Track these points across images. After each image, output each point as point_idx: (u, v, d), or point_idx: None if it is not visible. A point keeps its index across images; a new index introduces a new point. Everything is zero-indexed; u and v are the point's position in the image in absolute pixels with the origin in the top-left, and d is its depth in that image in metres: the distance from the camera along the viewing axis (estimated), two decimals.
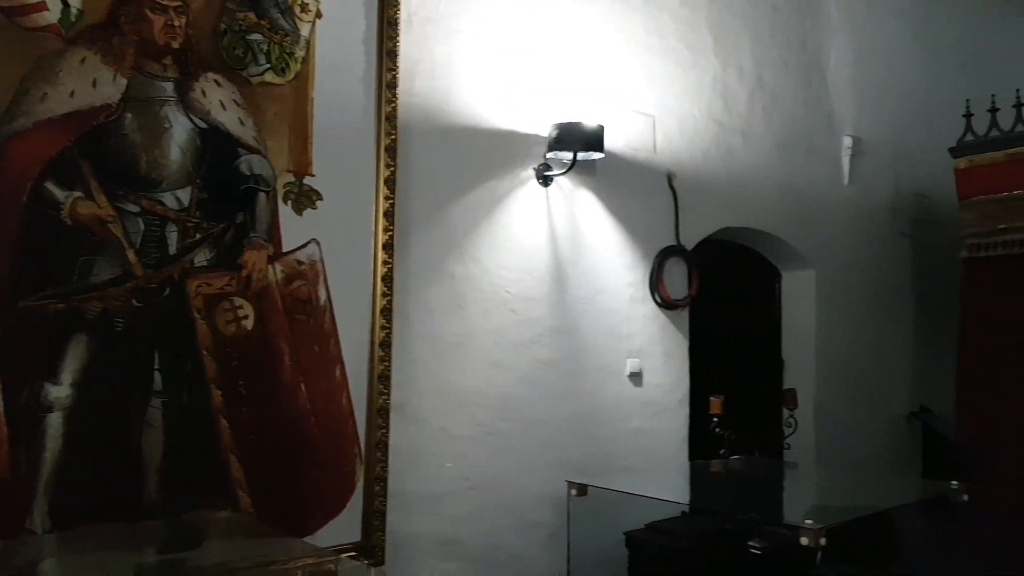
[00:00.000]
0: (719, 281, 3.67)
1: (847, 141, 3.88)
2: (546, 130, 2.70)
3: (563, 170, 2.73)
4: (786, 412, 3.32)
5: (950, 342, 3.53)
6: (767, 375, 3.71)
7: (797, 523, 1.58)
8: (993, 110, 3.24)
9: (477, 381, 2.53)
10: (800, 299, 3.73)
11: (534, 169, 2.76)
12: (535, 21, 2.74)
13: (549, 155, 2.73)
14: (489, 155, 2.60)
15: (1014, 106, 3.17)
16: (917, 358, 4.04)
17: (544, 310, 2.78)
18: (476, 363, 2.53)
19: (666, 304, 3.05)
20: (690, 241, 3.17)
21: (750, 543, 2.00)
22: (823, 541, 1.53)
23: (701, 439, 3.11)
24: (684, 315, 3.14)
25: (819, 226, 3.72)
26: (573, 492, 2.09)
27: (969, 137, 3.29)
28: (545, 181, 2.78)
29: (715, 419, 3.04)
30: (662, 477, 2.77)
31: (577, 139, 2.65)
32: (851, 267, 3.85)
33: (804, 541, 1.53)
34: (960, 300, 3.31)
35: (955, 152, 3.32)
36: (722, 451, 3.03)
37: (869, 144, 3.96)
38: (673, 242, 3.10)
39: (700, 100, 3.26)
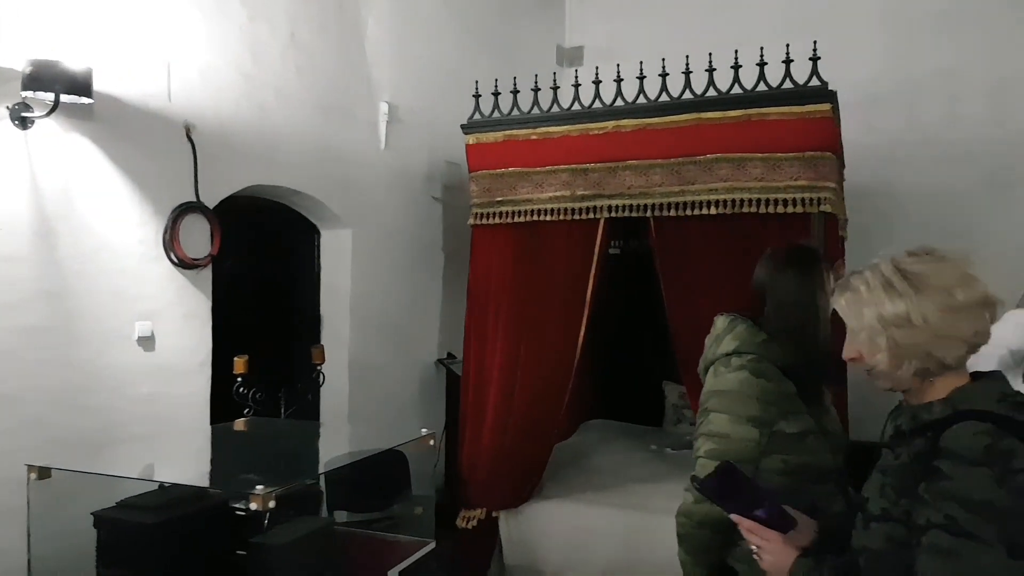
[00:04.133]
0: (260, 238, 3.63)
1: (384, 107, 4.11)
2: (21, 64, 2.34)
3: (44, 112, 2.39)
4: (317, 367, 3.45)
5: None
6: (307, 332, 3.81)
7: (247, 490, 1.63)
8: (495, 93, 3.72)
9: None
10: (338, 257, 3.88)
11: (8, 108, 2.38)
12: None
13: (26, 94, 2.37)
14: None
15: (512, 92, 3.68)
16: (445, 311, 4.53)
17: (27, 271, 2.45)
18: None
19: (183, 263, 2.91)
20: (214, 197, 3.06)
21: (235, 505, 2.04)
22: (272, 504, 1.60)
23: (229, 402, 3.07)
24: (206, 274, 3.03)
25: (357, 188, 3.90)
26: (33, 476, 1.88)
27: (477, 116, 3.73)
28: (23, 123, 2.41)
29: (240, 379, 3.03)
30: (171, 444, 2.67)
31: (57, 79, 2.34)
32: (387, 227, 4.13)
33: (253, 506, 1.59)
34: (469, 260, 3.78)
35: (466, 129, 3.74)
36: (247, 411, 3.04)
37: (405, 111, 4.25)
38: (192, 198, 2.95)
39: (225, 51, 3.13)
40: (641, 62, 3.40)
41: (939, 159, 4.86)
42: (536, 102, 3.64)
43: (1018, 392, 1.28)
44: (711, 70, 3.29)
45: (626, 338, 5.12)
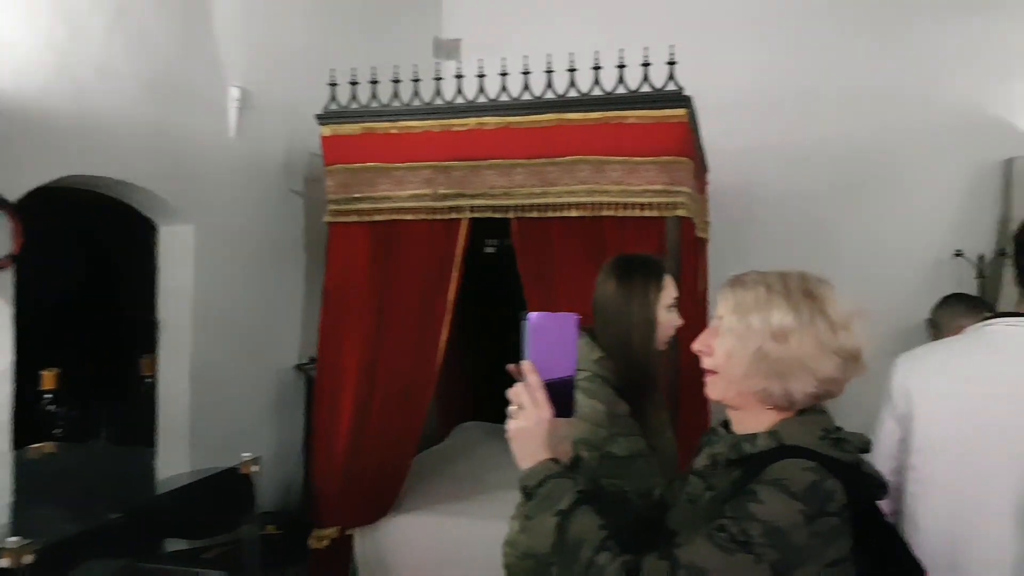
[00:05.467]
0: (83, 236, 3.27)
1: (235, 92, 3.80)
2: None
3: None
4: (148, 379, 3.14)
5: None
6: (141, 340, 3.46)
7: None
8: (353, 83, 3.50)
9: None
10: (179, 256, 3.55)
11: None
12: None
13: None
14: None
15: (371, 82, 3.47)
16: (306, 312, 4.27)
17: None
18: None
19: None
20: (17, 189, 2.69)
21: None
22: (30, 559, 1.35)
23: (38, 422, 2.72)
24: (5, 277, 2.67)
25: (200, 179, 3.58)
26: None
27: (333, 106, 3.50)
28: None
29: (48, 396, 2.69)
30: None
31: None
32: (238, 223, 3.82)
33: (5, 563, 1.34)
34: (326, 259, 3.55)
35: (321, 119, 3.51)
36: (57, 432, 2.70)
37: (261, 98, 3.95)
38: None
39: (34, 24, 2.76)
40: (504, 58, 3.28)
41: (796, 163, 5.06)
42: (397, 94, 3.45)
43: (838, 428, 1.23)
44: (572, 70, 3.21)
45: (504, 338, 5.01)
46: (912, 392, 1.65)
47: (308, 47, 4.26)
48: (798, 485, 1.10)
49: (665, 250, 3.05)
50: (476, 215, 3.30)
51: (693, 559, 1.08)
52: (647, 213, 3.07)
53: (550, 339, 1.25)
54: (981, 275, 4.67)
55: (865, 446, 1.23)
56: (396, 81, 3.46)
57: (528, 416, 1.24)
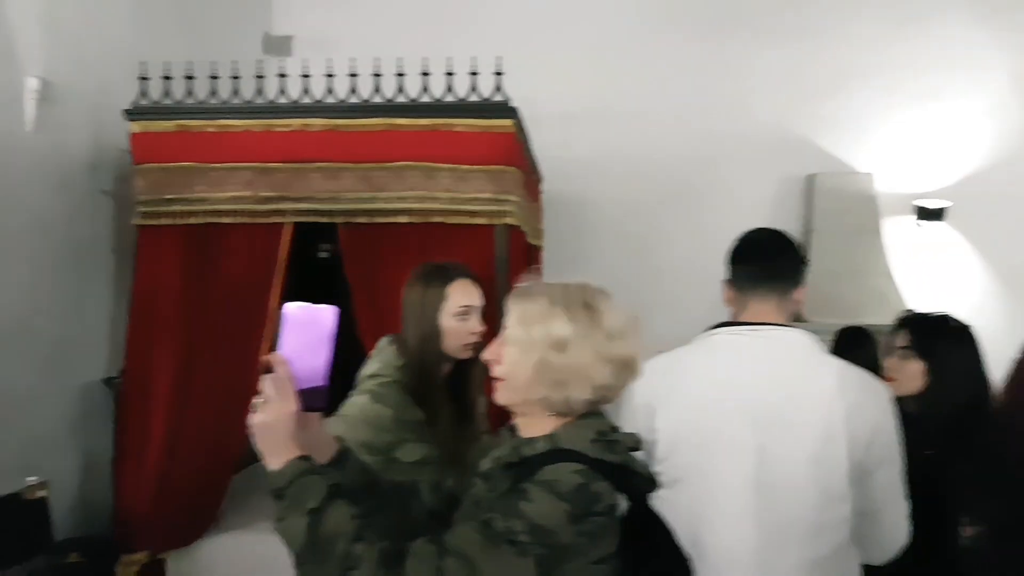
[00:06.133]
0: None
1: (33, 83, 3.45)
2: None
3: None
4: None
5: None
6: None
7: None
8: (167, 77, 3.28)
9: None
10: None
11: None
12: None
13: None
14: None
15: (187, 77, 3.27)
16: (115, 321, 3.94)
17: None
18: None
19: None
20: None
21: None
22: None
23: None
24: None
25: None
26: None
27: (144, 101, 3.27)
28: None
29: None
30: None
31: None
32: (33, 223, 3.46)
33: None
34: (135, 265, 3.30)
35: (130, 115, 3.26)
36: None
37: (64, 90, 3.61)
38: None
39: None
40: (330, 59, 3.19)
41: (629, 173, 5.33)
42: (215, 91, 3.27)
43: (613, 428, 1.29)
44: (400, 75, 3.18)
45: (340, 345, 4.88)
46: (650, 400, 1.71)
47: (118, 38, 3.95)
48: (566, 487, 1.15)
49: (493, 258, 3.08)
50: (300, 219, 3.19)
51: (460, 546, 1.11)
52: (476, 221, 3.09)
53: (307, 332, 1.21)
54: None
55: (636, 445, 1.32)
56: (214, 77, 3.28)
57: (271, 410, 1.19)
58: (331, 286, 4.35)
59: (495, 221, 3.10)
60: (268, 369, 1.21)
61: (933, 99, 5.35)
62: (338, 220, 3.17)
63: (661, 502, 1.69)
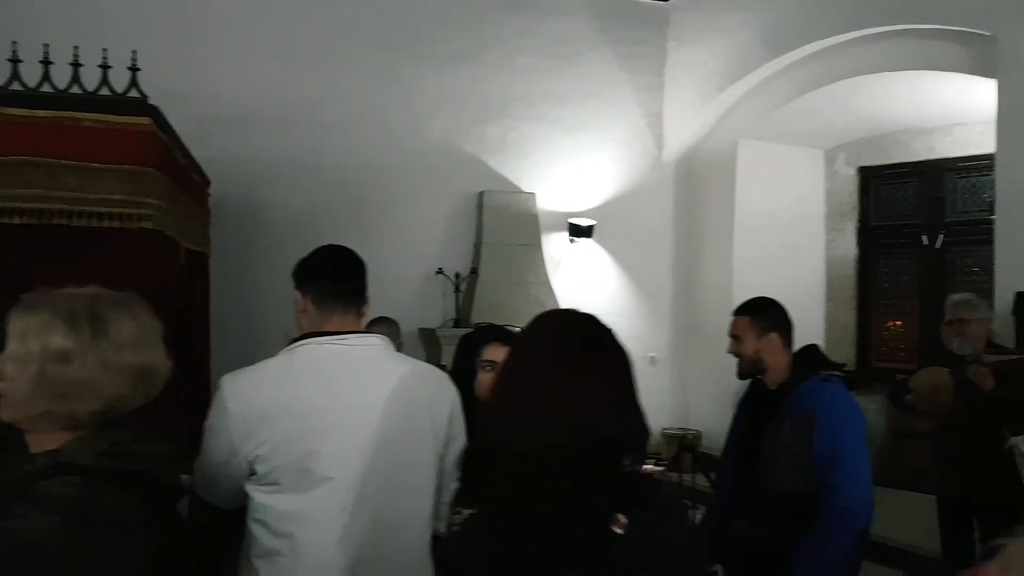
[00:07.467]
0: None
1: None
2: None
3: None
4: None
5: None
6: None
7: None
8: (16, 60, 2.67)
9: None
10: None
11: None
12: None
13: None
14: None
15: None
16: None
17: None
18: None
19: None
20: None
21: None
22: None
23: None
24: None
25: None
26: None
27: None
28: None
29: None
30: None
31: None
32: None
33: None
34: None
35: None
36: None
37: None
38: None
39: None
40: None
41: (307, 180, 5.33)
42: None
43: (137, 438, 1.28)
44: (16, 60, 2.87)
45: None
46: (251, 412, 1.72)
47: None
48: (56, 502, 1.14)
49: (137, 264, 2.89)
50: None
51: None
52: (107, 224, 2.88)
53: None
54: (457, 289, 5.47)
55: (158, 457, 1.30)
56: None
57: None
58: None
59: (131, 225, 2.90)
60: None
61: (583, 129, 6.11)
62: None
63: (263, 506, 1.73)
